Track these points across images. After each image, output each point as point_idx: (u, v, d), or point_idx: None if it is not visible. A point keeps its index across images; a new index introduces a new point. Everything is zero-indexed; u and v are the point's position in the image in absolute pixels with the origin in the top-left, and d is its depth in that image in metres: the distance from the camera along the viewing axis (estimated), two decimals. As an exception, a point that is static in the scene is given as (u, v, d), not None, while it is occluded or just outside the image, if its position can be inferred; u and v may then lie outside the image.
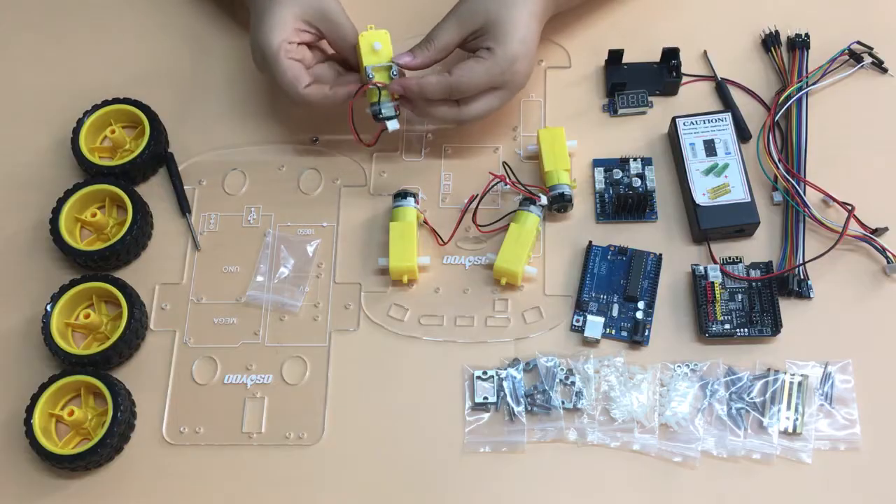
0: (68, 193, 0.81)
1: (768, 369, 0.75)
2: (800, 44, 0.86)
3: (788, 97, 0.82)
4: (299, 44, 0.80)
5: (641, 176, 0.82)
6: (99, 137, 0.85)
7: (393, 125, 0.79)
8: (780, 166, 0.79)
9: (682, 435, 0.73)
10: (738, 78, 0.86)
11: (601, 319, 0.76)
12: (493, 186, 0.81)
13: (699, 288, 0.76)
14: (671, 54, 0.85)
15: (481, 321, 0.78)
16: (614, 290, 0.78)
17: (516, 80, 0.79)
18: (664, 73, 0.86)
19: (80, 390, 0.76)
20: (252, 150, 0.86)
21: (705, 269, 0.77)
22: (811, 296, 0.77)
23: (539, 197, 0.79)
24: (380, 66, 0.78)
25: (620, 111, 0.85)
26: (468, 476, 0.73)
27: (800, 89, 0.83)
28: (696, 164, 0.80)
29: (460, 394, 0.76)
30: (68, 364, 0.77)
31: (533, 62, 0.79)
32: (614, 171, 0.82)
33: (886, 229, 0.78)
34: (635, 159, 0.82)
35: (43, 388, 0.75)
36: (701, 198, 0.78)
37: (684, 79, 0.86)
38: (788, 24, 0.87)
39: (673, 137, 0.83)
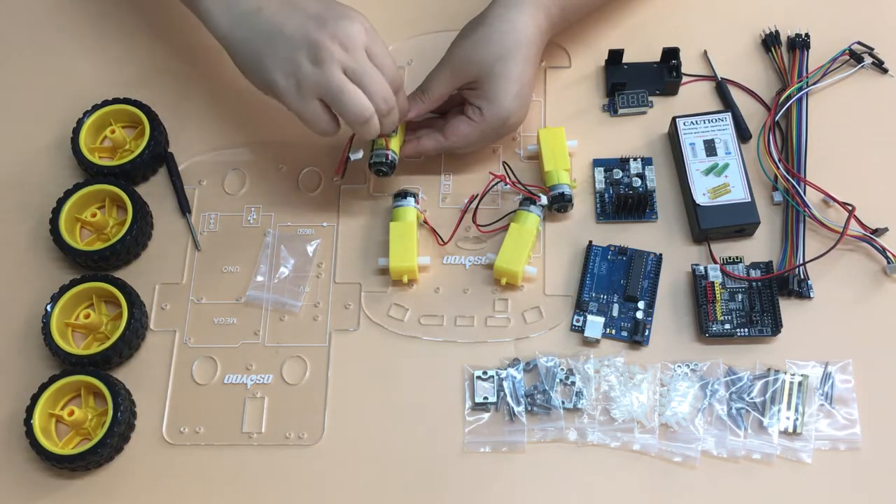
0: (68, 193, 0.81)
1: (768, 369, 0.75)
2: (800, 44, 0.86)
3: (789, 97, 0.82)
4: None
5: (641, 176, 0.82)
6: (99, 137, 0.85)
7: (356, 155, 0.79)
8: (780, 166, 0.79)
9: (682, 435, 0.73)
10: (738, 78, 0.86)
11: (601, 319, 0.76)
12: (493, 186, 0.81)
13: (699, 288, 0.76)
14: (671, 54, 0.85)
15: (481, 321, 0.78)
16: (614, 290, 0.78)
17: (509, 130, 0.80)
18: (664, 73, 0.86)
19: (80, 390, 0.76)
20: (252, 149, 0.86)
21: (705, 269, 0.77)
22: (811, 296, 0.77)
23: (539, 197, 0.79)
24: None
25: (620, 111, 0.85)
26: (468, 476, 0.73)
27: (800, 89, 0.83)
28: (696, 163, 0.80)
29: (460, 394, 0.76)
30: (68, 364, 0.77)
31: (528, 105, 0.80)
32: (614, 170, 0.82)
33: (886, 229, 0.78)
34: (635, 159, 0.82)
35: (43, 388, 0.75)
36: (701, 198, 0.78)
37: (684, 79, 0.86)
38: (788, 24, 0.87)
39: (673, 137, 0.83)
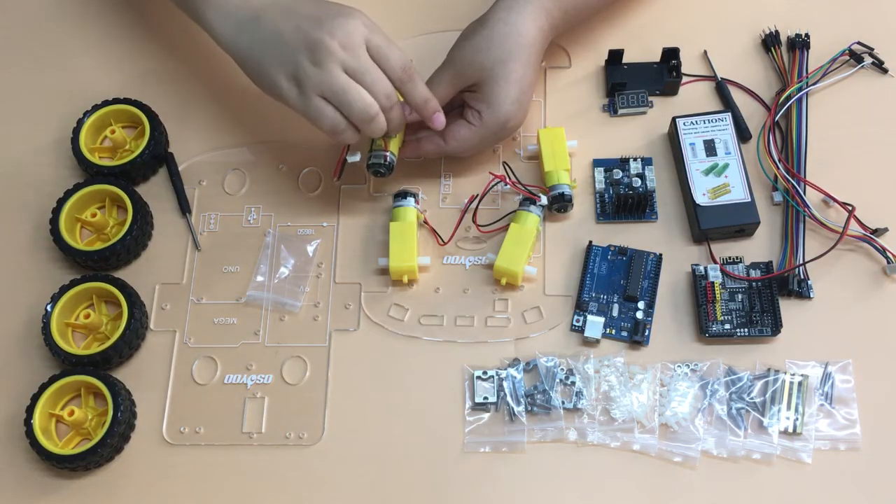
0: (68, 193, 0.81)
1: (768, 369, 0.75)
2: (800, 44, 0.86)
3: (789, 97, 0.82)
4: None
5: (641, 176, 0.82)
6: (99, 137, 0.86)
7: (354, 158, 0.79)
8: (780, 166, 0.79)
9: (682, 435, 0.73)
10: (738, 78, 0.86)
11: (601, 319, 0.76)
12: (493, 186, 0.81)
13: (699, 288, 0.76)
14: (671, 54, 0.85)
15: (481, 321, 0.78)
16: (614, 290, 0.78)
17: (508, 133, 0.80)
18: (664, 73, 0.86)
19: (80, 390, 0.76)
20: (252, 149, 0.86)
21: (705, 269, 0.77)
22: (811, 296, 0.77)
23: (539, 197, 0.79)
24: None
25: (620, 111, 0.85)
26: (468, 476, 0.73)
27: (800, 89, 0.83)
28: (696, 164, 0.80)
29: (460, 394, 0.76)
30: (68, 364, 0.77)
31: (527, 109, 0.79)
32: (614, 171, 0.82)
33: (886, 230, 0.78)
34: (635, 159, 0.82)
35: (43, 388, 0.75)
36: (701, 198, 0.78)
37: (684, 79, 0.86)
38: (788, 24, 0.87)
39: (673, 137, 0.83)
